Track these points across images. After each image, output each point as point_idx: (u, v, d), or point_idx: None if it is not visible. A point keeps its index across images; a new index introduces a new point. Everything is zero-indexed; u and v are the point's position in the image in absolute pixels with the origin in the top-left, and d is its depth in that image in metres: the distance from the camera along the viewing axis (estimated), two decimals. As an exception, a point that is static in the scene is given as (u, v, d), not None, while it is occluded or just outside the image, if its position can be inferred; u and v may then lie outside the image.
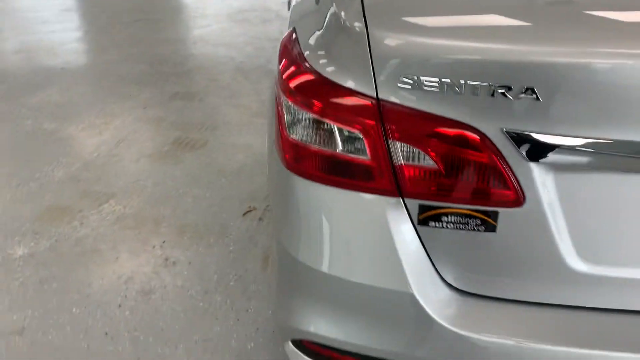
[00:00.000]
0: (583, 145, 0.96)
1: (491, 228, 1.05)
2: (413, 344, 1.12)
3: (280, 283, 1.29)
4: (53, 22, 6.04)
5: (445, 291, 1.13)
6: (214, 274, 2.29)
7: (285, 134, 1.16)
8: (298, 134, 1.13)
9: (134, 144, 3.36)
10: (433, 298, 1.10)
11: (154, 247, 2.46)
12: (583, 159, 0.97)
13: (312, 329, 1.21)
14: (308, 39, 1.21)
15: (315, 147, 1.11)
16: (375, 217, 1.09)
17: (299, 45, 1.21)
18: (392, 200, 1.08)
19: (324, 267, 1.15)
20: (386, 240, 1.09)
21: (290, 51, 1.21)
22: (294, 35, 1.29)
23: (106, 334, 2.01)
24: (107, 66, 4.72)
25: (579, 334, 1.09)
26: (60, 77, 4.41)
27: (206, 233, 2.52)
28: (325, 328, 1.20)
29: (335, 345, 1.20)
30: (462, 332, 1.07)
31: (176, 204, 2.75)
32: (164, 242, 2.48)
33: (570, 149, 0.97)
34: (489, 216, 1.04)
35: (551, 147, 0.97)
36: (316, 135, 1.11)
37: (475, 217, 1.05)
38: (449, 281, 1.13)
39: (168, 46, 5.15)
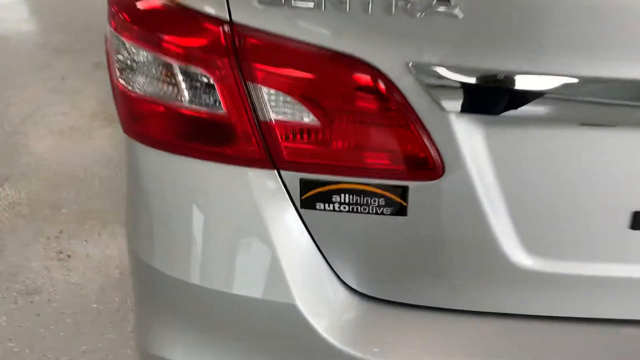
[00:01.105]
0: (529, 85, 0.66)
1: (400, 210, 0.74)
2: (300, 373, 0.82)
3: (136, 296, 0.96)
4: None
5: (344, 298, 0.81)
6: (115, 269, 1.94)
7: (117, 83, 0.82)
8: (133, 83, 0.80)
9: (44, 118, 2.95)
10: (325, 308, 0.79)
11: (48, 237, 2.09)
12: (529, 107, 0.67)
13: (177, 356, 0.88)
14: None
15: (156, 99, 0.78)
16: (243, 199, 0.77)
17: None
18: (264, 173, 0.76)
19: (182, 274, 0.81)
20: (259, 232, 0.77)
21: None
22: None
23: (-28, 345, 1.66)
24: (26, 35, 4.24)
25: (524, 352, 0.80)
26: (-31, 47, 3.93)
27: (111, 220, 2.16)
28: (193, 355, 0.87)
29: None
30: (363, 356, 0.77)
31: (80, 187, 2.37)
32: (60, 231, 2.12)
33: (510, 92, 0.66)
34: (395, 193, 0.73)
35: (481, 89, 0.66)
36: (156, 81, 0.77)
37: (377, 195, 0.74)
38: (349, 284, 0.82)
39: (96, 15, 4.68)
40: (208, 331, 0.83)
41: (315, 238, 0.79)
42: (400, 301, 0.82)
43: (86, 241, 2.07)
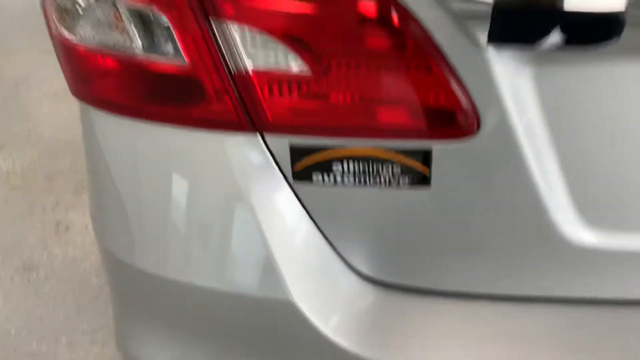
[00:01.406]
0: (597, 1, 0.47)
1: (421, 180, 0.58)
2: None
3: (111, 292, 0.81)
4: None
5: (356, 288, 0.66)
6: (115, 240, 1.82)
7: (57, 34, 0.65)
8: (76, 32, 0.63)
9: (38, 82, 2.79)
10: (332, 303, 0.64)
11: (44, 209, 1.97)
12: (596, 36, 0.49)
13: None
14: None
15: (105, 51, 0.61)
16: (220, 174, 0.61)
17: None
18: (243, 140, 0.59)
19: (154, 268, 0.66)
20: (242, 214, 0.61)
21: None
22: None
23: (-33, 329, 1.57)
24: (18, -6, 4.05)
25: (584, 341, 0.64)
26: (-41, 10, 3.75)
27: (109, 188, 2.04)
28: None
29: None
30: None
31: (78, 154, 2.23)
32: (57, 202, 2.00)
33: (570, 14, 0.48)
34: (414, 158, 0.57)
35: (530, 13, 0.48)
36: (103, 28, 0.61)
37: (391, 162, 0.57)
38: (361, 270, 0.67)
39: (92, -33, 4.43)
40: (196, 334, 0.69)
41: (314, 218, 0.63)
42: (426, 288, 0.67)
43: (85, 212, 1.94)
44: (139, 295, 0.71)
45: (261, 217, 0.60)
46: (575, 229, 0.59)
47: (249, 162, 0.59)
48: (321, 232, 0.63)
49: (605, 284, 0.63)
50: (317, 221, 0.63)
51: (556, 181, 0.57)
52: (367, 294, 0.65)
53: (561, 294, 0.65)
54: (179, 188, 0.63)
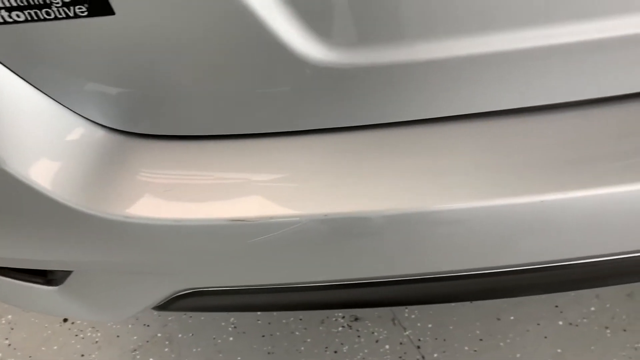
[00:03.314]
0: None
1: (101, 7, 0.47)
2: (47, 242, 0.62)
3: None
4: None
5: (85, 138, 0.58)
6: None
7: None
8: None
9: None
10: (56, 158, 0.56)
11: None
12: None
13: None
14: None
15: None
16: None
17: None
18: None
19: None
20: None
21: None
22: None
23: None
24: None
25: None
26: None
27: None
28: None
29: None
30: (116, 216, 0.56)
31: None
32: None
33: None
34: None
35: None
36: None
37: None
38: (94, 120, 0.58)
39: None
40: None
41: (10, 66, 0.52)
42: (168, 134, 0.59)
43: None
44: None
45: None
46: (303, 44, 0.50)
47: None
48: (27, 81, 0.53)
49: (363, 109, 0.56)
50: (16, 70, 0.53)
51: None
52: (100, 145, 0.58)
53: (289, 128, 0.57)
54: None
